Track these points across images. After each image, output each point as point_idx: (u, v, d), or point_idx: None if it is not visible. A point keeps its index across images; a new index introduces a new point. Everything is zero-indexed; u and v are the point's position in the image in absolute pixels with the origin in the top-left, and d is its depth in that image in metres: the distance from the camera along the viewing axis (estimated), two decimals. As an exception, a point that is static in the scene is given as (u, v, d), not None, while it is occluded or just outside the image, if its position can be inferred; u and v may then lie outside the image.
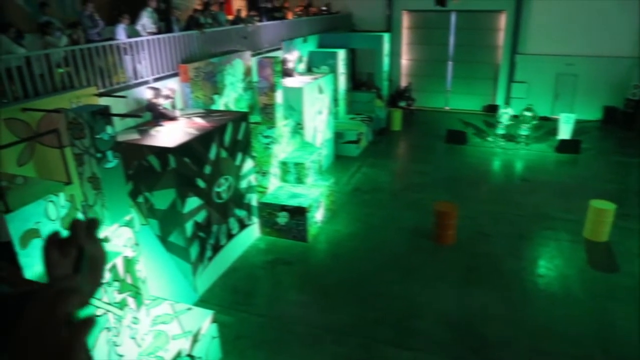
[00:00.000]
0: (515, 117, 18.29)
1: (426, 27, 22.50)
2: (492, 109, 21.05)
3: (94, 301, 5.79)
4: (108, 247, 6.25)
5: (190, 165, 8.47)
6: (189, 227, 8.53)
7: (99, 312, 5.83)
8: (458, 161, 16.49)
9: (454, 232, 10.92)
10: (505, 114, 18.12)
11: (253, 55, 13.21)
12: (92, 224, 1.10)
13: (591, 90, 20.52)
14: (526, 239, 11.18)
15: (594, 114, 20.68)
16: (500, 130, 18.09)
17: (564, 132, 17.77)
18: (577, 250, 10.65)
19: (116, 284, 6.26)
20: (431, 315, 8.54)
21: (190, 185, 8.53)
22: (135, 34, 10.27)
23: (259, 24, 14.41)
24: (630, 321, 8.38)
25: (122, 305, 6.34)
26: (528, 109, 17.82)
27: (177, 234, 8.51)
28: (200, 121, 9.45)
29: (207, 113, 10.13)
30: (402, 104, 21.64)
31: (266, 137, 11.58)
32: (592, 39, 19.89)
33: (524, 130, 17.77)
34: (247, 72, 12.80)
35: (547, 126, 19.13)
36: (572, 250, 10.66)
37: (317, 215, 11.43)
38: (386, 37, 20.40)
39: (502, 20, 21.25)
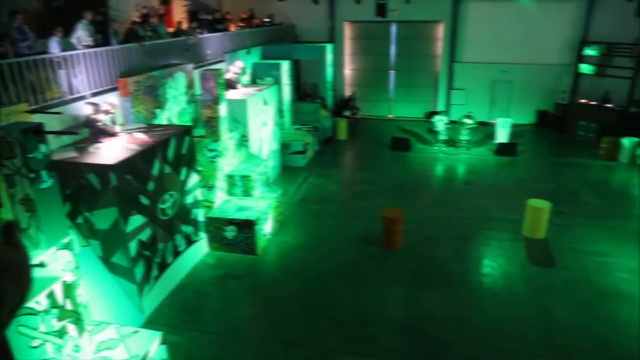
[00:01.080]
0: (453, 123, 19.00)
1: (368, 37, 23.00)
2: (434, 116, 21.73)
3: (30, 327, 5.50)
4: (45, 272, 5.95)
5: (132, 182, 8.22)
6: (132, 246, 8.26)
7: (35, 343, 5.52)
8: (403, 168, 16.91)
9: (402, 238, 11.17)
10: (440, 121, 18.79)
11: (195, 68, 13.03)
12: (10, 228, 1.07)
13: (525, 96, 21.72)
14: (470, 241, 11.59)
15: (528, 118, 21.88)
16: (442, 136, 18.71)
17: (502, 136, 18.65)
18: (517, 248, 11.16)
19: (55, 311, 5.96)
20: (383, 321, 8.67)
21: (133, 202, 8.27)
22: (70, 47, 9.89)
23: (200, 36, 14.24)
24: (568, 311, 8.90)
25: (61, 333, 6.04)
26: (468, 116, 18.55)
27: (120, 254, 8.22)
28: (142, 136, 9.20)
29: (149, 128, 9.88)
30: (347, 113, 21.98)
31: (211, 150, 11.42)
32: (524, 48, 21.08)
33: (464, 136, 18.48)
34: (190, 85, 12.61)
35: (485, 131, 20.00)
36: (513, 249, 11.16)
37: (266, 228, 11.37)
38: (329, 47, 20.70)
39: (440, 31, 22.08)
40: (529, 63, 21.26)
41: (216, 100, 11.37)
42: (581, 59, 20.30)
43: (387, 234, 11.08)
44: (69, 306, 6.25)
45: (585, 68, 20.24)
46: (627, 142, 17.04)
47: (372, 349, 8.02)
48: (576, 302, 9.18)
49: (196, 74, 12.76)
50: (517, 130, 19.50)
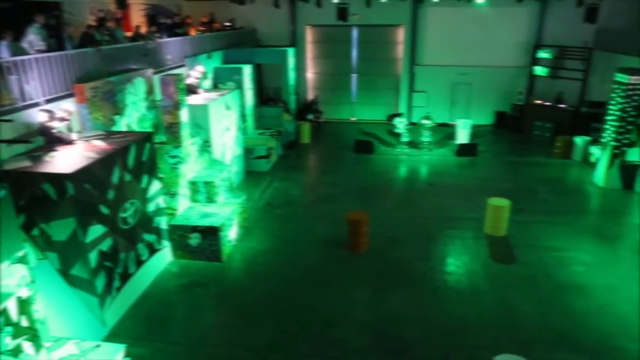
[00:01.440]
0: (414, 125, 19.33)
1: (329, 41, 23.14)
2: (395, 118, 22.11)
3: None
4: (-1, 287, 5.71)
5: (91, 191, 7.98)
6: (93, 257, 8.02)
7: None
8: (366, 170, 17.07)
9: (366, 240, 11.27)
10: (400, 123, 19.09)
11: (155, 73, 12.79)
12: None
13: (483, 97, 22.35)
14: (434, 240, 11.80)
15: (487, 118, 22.52)
16: (404, 138, 19.00)
17: (462, 136, 19.09)
18: (480, 246, 11.44)
19: (8, 328, 5.71)
20: (350, 323, 8.72)
21: (92, 212, 8.03)
22: (21, 51, 9.53)
23: (160, 40, 13.99)
24: (528, 306, 9.18)
25: (16, 352, 5.80)
26: (427, 117, 18.91)
27: (80, 266, 7.96)
28: (100, 144, 8.96)
29: (108, 135, 9.62)
30: (310, 116, 22.03)
31: (173, 157, 11.23)
32: (482, 51, 21.72)
33: (425, 137, 18.83)
34: (150, 91, 12.36)
35: (446, 132, 20.43)
36: (476, 247, 11.43)
37: (231, 234, 11.25)
38: (291, 51, 20.69)
39: (401, 34, 22.43)
40: (487, 66, 21.89)
41: (177, 106, 11.19)
42: (535, 61, 21.04)
43: (352, 236, 11.15)
44: (24, 323, 6.01)
45: (540, 70, 20.99)
46: (579, 140, 17.74)
47: (339, 351, 8.05)
48: (536, 296, 9.48)
49: (156, 79, 12.53)
50: (476, 131, 20.03)
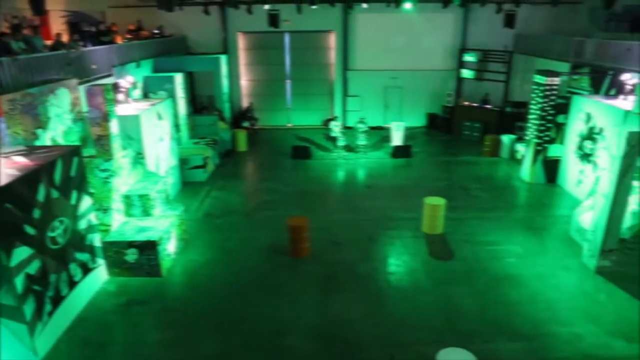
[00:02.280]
0: (349, 129, 19.66)
1: (262, 47, 23.07)
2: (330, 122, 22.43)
3: None
4: None
5: (13, 211, 7.44)
6: (19, 282, 7.47)
7: None
8: (305, 175, 17.12)
9: (309, 245, 11.28)
10: (335, 127, 19.34)
11: (80, 84, 12.16)
12: None
13: (415, 100, 23.14)
14: (375, 241, 12.01)
15: (420, 120, 23.32)
16: (341, 142, 19.24)
17: (397, 139, 19.61)
18: (419, 245, 11.77)
19: None
20: (297, 329, 8.67)
21: (15, 233, 7.49)
22: None
23: (84, 49, 13.33)
24: (467, 299, 9.56)
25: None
26: (361, 121, 19.28)
27: (5, 292, 7.39)
28: (22, 160, 8.38)
29: (30, 150, 9.03)
30: (246, 124, 21.84)
31: (103, 170, 10.72)
32: (411, 55, 22.51)
33: (361, 140, 19.18)
34: (75, 102, 11.74)
35: (381, 135, 20.92)
36: (415, 245, 11.75)
37: (169, 247, 10.88)
38: (223, 59, 20.42)
39: (333, 40, 22.76)
40: (417, 69, 22.68)
41: (106, 117, 10.70)
42: (462, 64, 22.03)
43: (294, 242, 11.13)
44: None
45: (466, 73, 22.00)
46: (506, 139, 18.75)
47: (289, 359, 7.97)
48: (474, 289, 9.88)
49: (81, 89, 11.92)
50: (410, 133, 20.66)
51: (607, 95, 15.01)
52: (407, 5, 17.23)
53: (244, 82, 23.58)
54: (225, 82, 20.45)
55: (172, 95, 16.97)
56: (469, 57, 21.79)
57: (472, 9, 21.27)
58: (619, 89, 14.24)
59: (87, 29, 15.87)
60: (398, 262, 11.07)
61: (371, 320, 8.96)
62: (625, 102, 13.14)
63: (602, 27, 19.38)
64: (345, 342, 8.37)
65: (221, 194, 15.30)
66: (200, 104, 21.33)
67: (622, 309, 9.19)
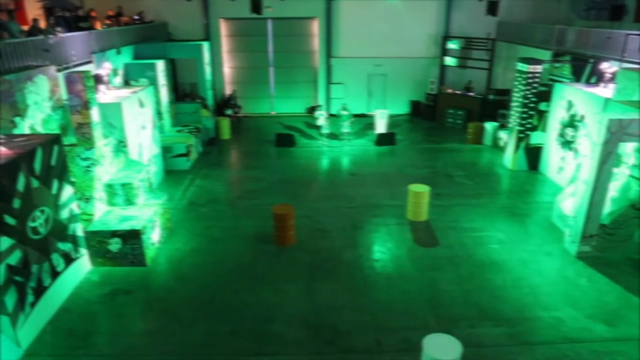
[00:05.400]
0: (333, 116, 19.62)
1: (245, 34, 22.79)
2: (315, 110, 22.39)
3: None
4: None
5: (-7, 201, 7.27)
6: (0, 272, 7.33)
7: None
8: (289, 163, 17.07)
9: (294, 233, 11.27)
10: (320, 115, 19.31)
11: (59, 70, 11.88)
12: None
13: (399, 88, 23.16)
14: (360, 229, 12.05)
15: (403, 108, 23.38)
16: (325, 130, 19.20)
17: (380, 126, 19.64)
18: (404, 232, 11.85)
19: None
20: (284, 317, 8.68)
21: (-4, 224, 7.33)
22: None
23: (62, 35, 12.99)
24: (452, 285, 9.68)
25: None
26: (344, 108, 19.24)
27: (-15, 283, 7.25)
28: (0, 149, 8.18)
29: (9, 139, 8.80)
30: (229, 112, 21.65)
31: (85, 159, 10.53)
32: (394, 43, 22.47)
33: (345, 128, 19.16)
34: (54, 89, 11.47)
35: (365, 122, 20.91)
36: (400, 232, 11.82)
37: (154, 236, 10.78)
38: (206, 45, 20.13)
39: (316, 27, 22.59)
40: (400, 57, 22.67)
41: (86, 105, 10.48)
42: (445, 52, 22.10)
43: (279, 230, 11.11)
44: None
45: (449, 60, 22.08)
46: (489, 126, 18.90)
47: (277, 346, 7.99)
48: (459, 275, 10.00)
49: (61, 76, 11.65)
50: (394, 121, 20.71)
51: (588, 83, 15.20)
52: (391, -8, 17.23)
53: (227, 69, 23.31)
54: (207, 70, 20.18)
55: (153, 82, 16.71)
56: (452, 45, 21.86)
57: (455, -4, 21.30)
58: (599, 76, 14.43)
59: (64, 14, 15.44)
60: (383, 249, 11.14)
61: (357, 306, 9.02)
62: (606, 90, 13.32)
63: (583, 16, 19.60)
64: (332, 328, 8.41)
65: (205, 183, 15.17)
66: (182, 91, 21.05)
67: (602, 293, 9.40)
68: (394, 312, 8.86)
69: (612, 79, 13.48)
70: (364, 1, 21.26)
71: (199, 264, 10.47)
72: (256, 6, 18.67)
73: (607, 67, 13.94)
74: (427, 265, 10.42)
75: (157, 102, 16.38)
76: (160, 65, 17.43)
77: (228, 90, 23.15)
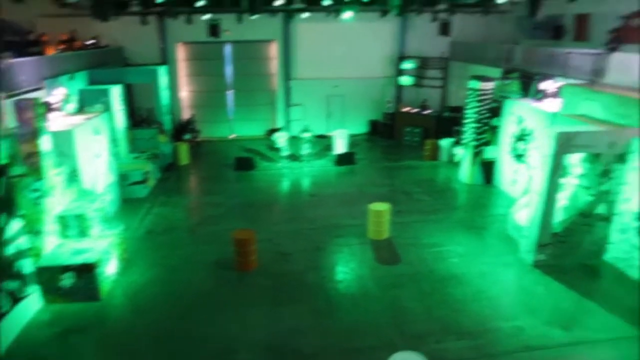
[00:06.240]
0: (293, 138, 19.68)
1: (203, 58, 22.71)
2: (274, 133, 22.45)
3: None
4: None
5: None
6: (-61, 315, 6.91)
7: None
8: (250, 187, 16.93)
9: (255, 257, 11.13)
10: (279, 138, 19.34)
11: (8, 97, 11.46)
12: None
13: (357, 108, 23.50)
14: (322, 250, 12.02)
15: (362, 128, 23.69)
16: (285, 152, 19.20)
17: (340, 146, 19.80)
18: (366, 251, 11.88)
19: None
20: (248, 346, 8.50)
21: None
22: None
23: (11, 60, 12.58)
24: (414, 301, 9.75)
25: None
26: (305, 130, 19.34)
27: None
28: (-61, 184, 7.79)
29: (-51, 172, 8.41)
30: (187, 136, 21.40)
31: (34, 190, 10.13)
32: (351, 64, 22.88)
33: (305, 149, 19.22)
34: (1, 117, 11.04)
35: (324, 143, 21.06)
36: (362, 252, 11.85)
37: (109, 269, 10.41)
38: (163, 70, 19.92)
39: (274, 50, 22.75)
40: (358, 77, 23.08)
41: (36, 133, 10.15)
42: (401, 72, 22.63)
43: (240, 255, 10.95)
44: None
45: (405, 80, 22.61)
46: (444, 143, 19.35)
47: (239, 376, 7.81)
48: (421, 291, 10.08)
49: (9, 104, 11.24)
50: (353, 140, 20.93)
51: (535, 98, 15.81)
52: (347, 15, 17.54)
53: (185, 93, 23.11)
54: (165, 94, 19.94)
55: (109, 108, 16.34)
56: (407, 65, 22.41)
57: (409, 17, 21.86)
58: (544, 92, 15.05)
59: (11, 38, 14.98)
60: (346, 270, 11.12)
61: (322, 329, 8.94)
62: (552, 105, 13.89)
63: (528, 35, 20.48)
64: (297, 353, 8.29)
65: (163, 210, 14.84)
66: (139, 116, 20.66)
67: (558, 300, 9.70)
68: (358, 333, 8.82)
69: (557, 94, 14.07)
70: (321, 24, 21.57)
71: (158, 296, 10.15)
72: (214, 30, 18.67)
73: (552, 82, 14.57)
74: (389, 283, 10.46)
75: (113, 129, 16.01)
76: (116, 90, 17.11)
77: (186, 115, 22.91)
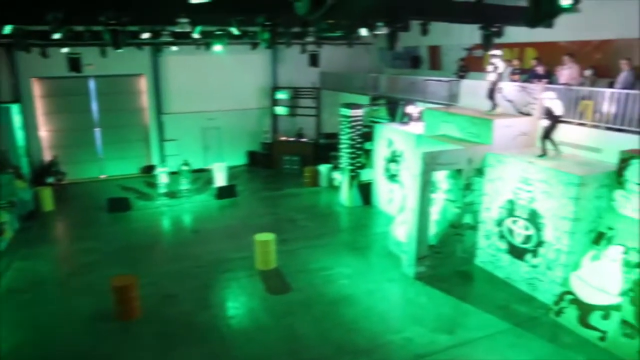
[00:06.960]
0: (173, 174, 18.97)
1: (64, 94, 20.97)
2: (150, 170, 21.47)
3: None
4: None
5: None
6: None
7: None
8: (126, 229, 15.85)
9: (139, 304, 10.36)
10: (162, 173, 18.57)
11: None
12: None
13: (234, 139, 23.37)
14: (210, 287, 11.60)
15: (241, 159, 23.59)
16: (162, 189, 18.39)
17: (220, 179, 19.49)
18: (255, 282, 11.73)
19: None
20: (134, 402, 7.84)
21: None
22: None
23: None
24: (308, 327, 9.81)
25: None
26: (185, 164, 18.75)
27: None
28: None
29: None
30: (51, 180, 19.50)
31: None
32: (225, 96, 22.78)
33: (184, 185, 18.60)
34: None
35: (204, 177, 20.58)
36: (251, 284, 11.68)
37: (-38, 338, 8.99)
38: (15, 108, 18.05)
39: (143, 83, 21.87)
40: (232, 109, 23.03)
41: None
42: (275, 102, 23.11)
43: (121, 303, 10.12)
44: None
45: (280, 110, 23.11)
46: (323, 169, 20.01)
47: None
48: (313, 316, 10.17)
49: None
50: (233, 172, 20.78)
51: (401, 122, 17.12)
52: (217, 48, 17.52)
53: (44, 133, 21.09)
54: (20, 135, 18.03)
55: (-51, 155, 14.36)
56: (281, 95, 22.97)
57: (279, 49, 22.45)
58: (409, 116, 16.38)
59: None
60: (237, 304, 10.87)
61: (216, 370, 8.58)
62: (417, 127, 15.13)
63: (390, 65, 22.24)
64: (190, 401, 7.83)
65: (26, 264, 13.22)
66: (-11, 162, 18.43)
67: (440, 307, 10.45)
68: (255, 368, 8.61)
69: (419, 117, 15.38)
70: (192, 56, 21.21)
71: (24, 361, 8.97)
72: (74, 64, 17.33)
73: (414, 108, 15.92)
74: (281, 311, 10.41)
75: (-44, 178, 14.07)
76: (-43, 135, 15.12)
77: (48, 156, 20.91)
